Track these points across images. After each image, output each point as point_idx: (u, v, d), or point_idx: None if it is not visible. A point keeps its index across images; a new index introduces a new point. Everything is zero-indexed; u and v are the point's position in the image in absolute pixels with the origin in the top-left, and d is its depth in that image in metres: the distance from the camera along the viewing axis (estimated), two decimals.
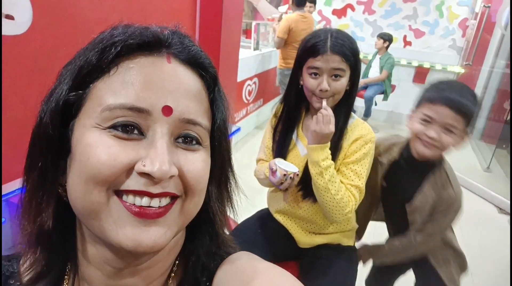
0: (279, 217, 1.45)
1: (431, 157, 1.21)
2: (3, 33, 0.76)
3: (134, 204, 0.39)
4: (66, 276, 0.47)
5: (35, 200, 0.43)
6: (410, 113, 1.28)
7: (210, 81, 0.47)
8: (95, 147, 0.38)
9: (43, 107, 0.43)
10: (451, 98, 1.13)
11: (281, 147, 1.36)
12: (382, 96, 5.21)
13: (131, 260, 0.44)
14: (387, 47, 5.05)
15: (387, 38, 5.03)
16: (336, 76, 1.20)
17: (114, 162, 0.38)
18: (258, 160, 1.47)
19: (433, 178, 1.26)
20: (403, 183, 1.34)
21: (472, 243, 2.20)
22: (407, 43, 5.94)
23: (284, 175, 1.20)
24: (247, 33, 4.83)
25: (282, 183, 1.22)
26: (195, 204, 0.44)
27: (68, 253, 0.47)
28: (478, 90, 4.88)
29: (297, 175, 1.23)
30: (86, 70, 0.40)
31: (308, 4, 4.54)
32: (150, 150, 0.39)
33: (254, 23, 4.18)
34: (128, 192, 0.39)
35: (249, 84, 4.04)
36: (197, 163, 0.43)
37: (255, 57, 4.14)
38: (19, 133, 0.48)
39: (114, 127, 0.39)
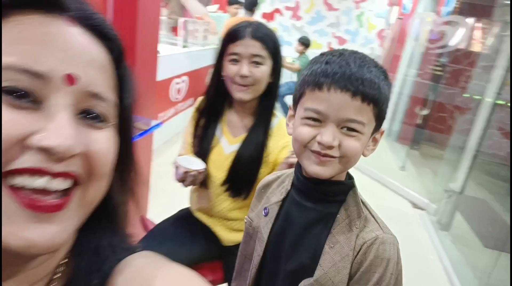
0: (201, 216, 1.38)
1: (329, 175, 0.74)
2: None
3: (27, 189, 0.32)
4: None
5: None
6: (288, 114, 0.85)
7: (118, 55, 0.41)
8: None
9: None
10: (349, 76, 0.68)
11: (202, 143, 1.29)
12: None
13: (12, 259, 0.36)
14: (305, 50, 5.27)
15: (304, 41, 5.24)
16: (256, 63, 1.17)
17: (3, 133, 0.31)
18: (178, 156, 1.38)
19: (344, 212, 0.78)
20: (297, 232, 0.81)
21: None
22: (331, 49, 6.24)
23: (186, 172, 1.16)
24: (175, 30, 4.67)
25: (183, 181, 1.18)
26: (98, 190, 0.39)
27: None
28: (393, 96, 5.29)
29: (202, 172, 1.19)
30: None
31: (234, 5, 4.54)
32: (49, 123, 0.33)
33: (182, 19, 4.04)
34: (19, 171, 0.32)
35: (177, 82, 3.88)
36: (104, 143, 0.38)
37: (184, 54, 4.00)
38: None
39: (4, 91, 0.32)
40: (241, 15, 4.41)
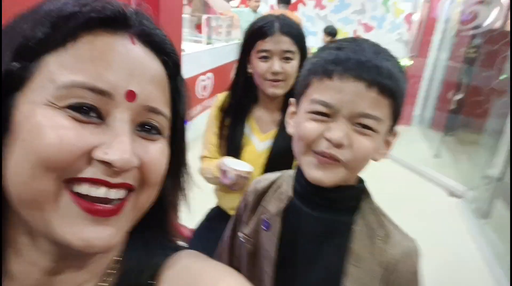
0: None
1: (333, 183, 0.64)
2: None
3: (88, 195, 0.36)
4: None
5: None
6: (289, 110, 0.75)
7: (173, 69, 0.44)
8: (46, 127, 0.34)
9: None
10: (364, 63, 0.59)
11: (232, 143, 1.27)
12: None
13: (72, 256, 0.40)
14: (332, 40, 5.17)
15: (331, 31, 5.14)
16: (287, 58, 1.16)
17: (68, 146, 0.34)
18: (202, 158, 1.36)
19: (362, 221, 0.68)
20: (308, 247, 0.71)
21: (426, 230, 2.25)
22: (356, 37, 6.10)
23: (237, 175, 1.13)
24: (199, 27, 4.70)
25: (235, 184, 1.15)
26: (148, 197, 0.42)
27: None
28: (425, 82, 5.11)
29: (251, 173, 1.16)
30: (34, 40, 0.35)
31: None
32: (111, 137, 0.36)
33: (205, 16, 4.07)
34: (83, 180, 0.36)
35: (202, 79, 3.92)
36: (157, 155, 0.41)
37: (208, 51, 4.03)
38: None
39: (71, 107, 0.35)
40: (276, 8, 4.38)
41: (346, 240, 0.67)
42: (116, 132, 0.36)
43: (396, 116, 0.64)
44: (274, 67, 1.14)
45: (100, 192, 0.36)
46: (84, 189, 0.36)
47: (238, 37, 4.99)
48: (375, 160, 0.67)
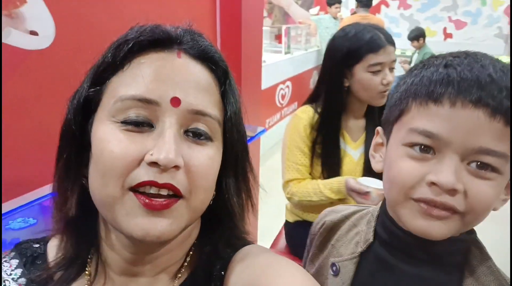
0: None
1: (444, 236, 0.50)
2: (29, 47, 0.81)
3: (145, 192, 0.41)
4: (89, 260, 0.50)
5: (61, 189, 0.47)
6: (375, 142, 0.63)
7: (221, 75, 0.48)
8: (107, 141, 0.41)
9: (68, 106, 0.46)
10: (487, 84, 0.46)
11: (331, 158, 1.25)
12: None
13: (144, 248, 0.47)
14: (423, 42, 4.86)
15: (419, 35, 4.77)
16: (391, 68, 1.19)
17: (125, 155, 0.40)
18: (289, 181, 1.30)
19: (473, 281, 0.54)
20: None
21: None
22: (447, 35, 5.67)
23: (380, 195, 1.07)
24: (279, 38, 4.84)
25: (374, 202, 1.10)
26: (201, 202, 0.45)
27: (92, 239, 0.50)
28: None
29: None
30: (102, 67, 0.44)
31: (334, 5, 4.49)
32: (158, 140, 0.41)
33: (284, 27, 4.18)
34: (140, 185, 0.41)
35: (281, 88, 4.03)
36: (204, 159, 0.44)
37: (287, 61, 4.13)
38: (48, 139, 0.53)
39: (125, 121, 0.41)
40: (358, 13, 4.32)
41: None
42: (162, 135, 0.41)
43: None
44: (388, 78, 1.17)
45: (152, 190, 0.41)
46: (141, 189, 0.41)
47: (316, 44, 5.01)
48: (495, 209, 0.51)
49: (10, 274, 0.49)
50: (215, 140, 0.46)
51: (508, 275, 0.49)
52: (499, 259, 0.58)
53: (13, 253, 0.51)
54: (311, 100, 1.32)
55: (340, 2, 4.65)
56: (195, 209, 0.45)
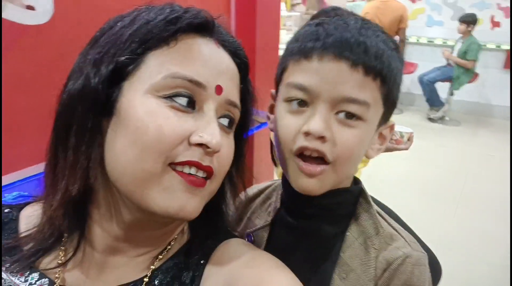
0: None
1: (323, 191, 0.56)
2: (25, 23, 0.80)
3: (183, 171, 0.42)
4: (65, 236, 0.49)
5: (80, 160, 0.43)
6: (270, 103, 0.65)
7: (244, 71, 0.52)
8: (155, 116, 0.41)
9: (91, 65, 0.43)
10: (348, 40, 0.51)
11: None
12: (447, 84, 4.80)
13: (145, 227, 0.48)
14: (471, 31, 4.57)
15: (471, 21, 4.53)
16: None
17: (172, 132, 0.41)
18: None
19: (356, 228, 0.60)
20: (294, 262, 0.54)
21: None
22: (495, 24, 5.27)
23: (411, 136, 1.32)
24: None
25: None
26: (217, 186, 0.49)
27: (80, 216, 0.48)
28: None
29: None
30: (148, 37, 0.43)
31: None
32: (204, 124, 0.43)
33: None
34: (183, 164, 0.42)
35: None
36: (229, 147, 0.48)
37: None
38: (46, 115, 0.52)
39: (173, 99, 0.42)
40: None
41: (338, 250, 0.58)
42: (207, 119, 0.44)
43: (388, 102, 0.55)
44: None
45: (192, 170, 0.43)
46: (179, 167, 0.42)
47: None
48: (369, 157, 0.58)
49: None
50: (233, 130, 0.50)
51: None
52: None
53: None
54: None
55: None
56: (213, 192, 0.48)
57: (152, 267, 0.49)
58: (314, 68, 0.52)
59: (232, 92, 0.47)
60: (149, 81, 0.42)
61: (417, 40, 5.62)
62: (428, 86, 4.87)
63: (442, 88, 4.97)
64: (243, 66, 0.51)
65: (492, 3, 5.22)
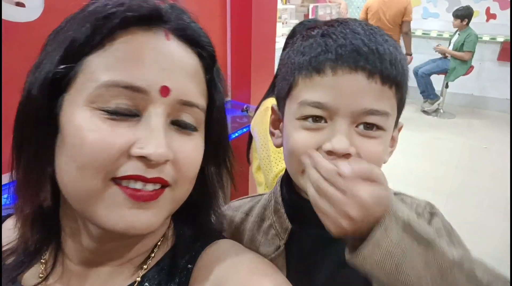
0: None
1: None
2: (15, 20, 0.80)
3: (128, 186, 0.39)
4: (45, 248, 0.48)
5: (31, 178, 0.41)
6: (271, 118, 0.62)
7: (209, 61, 0.45)
8: (87, 131, 0.37)
9: (30, 79, 0.40)
10: (361, 48, 0.49)
11: None
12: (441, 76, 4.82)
13: (116, 239, 0.44)
14: (467, 24, 4.57)
15: (465, 15, 4.52)
16: None
17: (108, 146, 0.37)
18: (282, 170, 1.25)
19: None
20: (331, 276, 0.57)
21: None
22: (490, 16, 5.27)
23: None
24: (307, 17, 4.68)
25: None
26: (187, 191, 0.45)
27: (52, 228, 0.47)
28: None
29: None
30: (78, 42, 0.38)
31: None
32: (147, 132, 0.38)
33: (311, 5, 4.03)
34: (126, 178, 0.38)
35: None
36: (191, 151, 0.43)
37: None
38: None
39: (108, 111, 0.38)
40: None
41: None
42: (151, 127, 0.38)
43: (401, 106, 0.54)
44: None
45: (137, 185, 0.39)
46: (125, 182, 0.39)
47: None
48: (384, 162, 0.55)
49: None
50: (199, 130, 0.45)
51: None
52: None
53: None
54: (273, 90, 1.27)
55: None
56: (179, 199, 0.44)
57: (138, 278, 0.47)
58: (329, 83, 0.48)
59: (186, 90, 0.41)
60: (85, 91, 0.38)
61: (412, 32, 5.61)
62: (423, 78, 4.87)
63: (437, 81, 4.98)
64: (207, 55, 0.45)
65: None
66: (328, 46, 0.49)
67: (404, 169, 3.38)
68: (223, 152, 0.50)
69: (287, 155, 0.55)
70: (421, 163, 3.61)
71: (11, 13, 0.79)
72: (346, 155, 0.48)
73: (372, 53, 0.48)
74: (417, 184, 3.20)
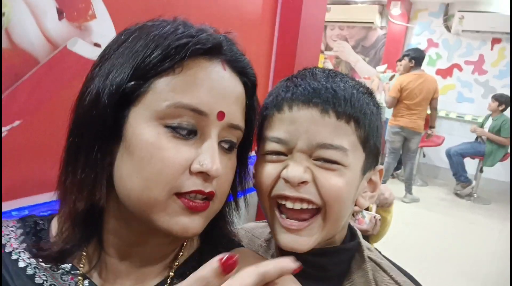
0: None
1: (310, 247, 0.53)
2: (91, 57, 0.91)
3: (187, 197, 0.45)
4: (88, 243, 0.51)
5: (89, 178, 0.45)
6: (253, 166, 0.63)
7: (251, 89, 0.52)
8: (158, 147, 0.42)
9: (98, 85, 0.43)
10: (315, 87, 0.52)
11: None
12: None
13: (157, 235, 0.49)
14: (502, 110, 4.59)
15: (503, 101, 4.56)
16: None
17: (175, 164, 0.43)
18: None
19: None
20: None
21: None
22: None
23: (374, 217, 1.18)
24: None
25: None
26: (221, 204, 0.51)
27: (95, 227, 0.51)
28: None
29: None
30: (149, 65, 0.43)
31: (400, 62, 4.45)
32: (206, 150, 0.44)
33: None
34: (188, 193, 0.44)
35: None
36: (230, 168, 0.49)
37: None
38: None
39: (175, 129, 0.43)
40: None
41: None
42: (208, 145, 0.45)
43: (368, 146, 0.53)
44: None
45: (197, 198, 0.45)
46: (187, 196, 0.44)
47: (380, 101, 4.94)
48: (362, 206, 0.56)
49: (16, 244, 0.50)
50: (235, 149, 0.51)
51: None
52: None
53: (19, 224, 0.53)
54: None
55: (401, 59, 4.56)
56: (217, 210, 0.50)
57: (171, 273, 0.51)
58: (287, 119, 0.52)
59: (235, 115, 0.48)
60: (154, 108, 0.43)
61: (446, 115, 5.66)
62: (456, 157, 4.79)
63: (471, 165, 4.88)
64: (250, 84, 0.51)
65: None
66: (288, 87, 0.55)
67: (438, 250, 3.21)
68: (244, 172, 0.55)
69: (258, 192, 0.57)
70: (455, 247, 3.42)
71: (88, 51, 0.90)
72: (302, 183, 0.51)
73: (326, 90, 0.51)
74: (451, 267, 3.01)
